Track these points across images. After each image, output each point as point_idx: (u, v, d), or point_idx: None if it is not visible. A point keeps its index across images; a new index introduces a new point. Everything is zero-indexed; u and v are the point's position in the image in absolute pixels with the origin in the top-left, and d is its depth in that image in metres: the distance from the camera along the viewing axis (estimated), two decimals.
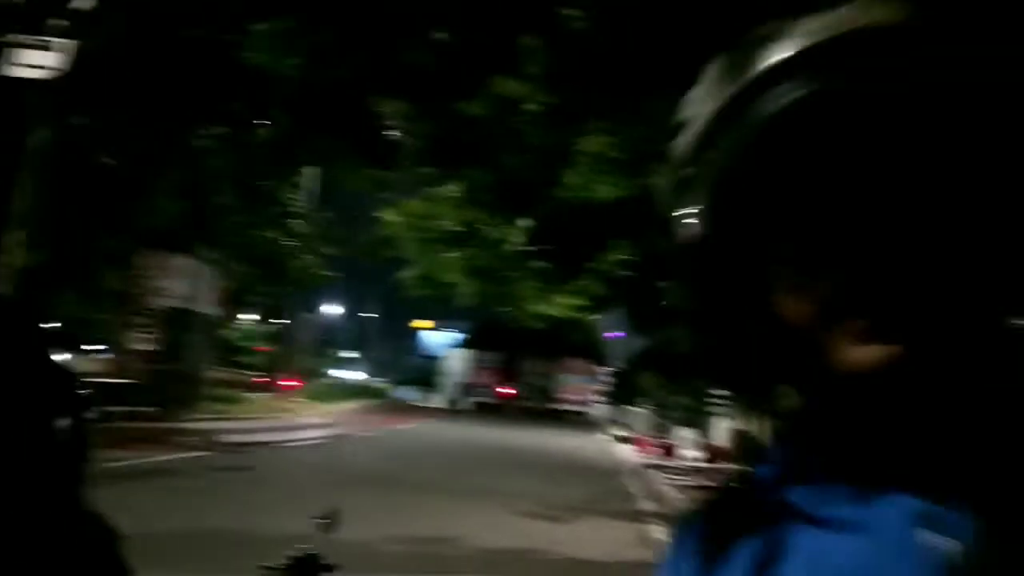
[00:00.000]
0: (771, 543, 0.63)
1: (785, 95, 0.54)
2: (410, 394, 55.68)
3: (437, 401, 52.33)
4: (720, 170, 0.57)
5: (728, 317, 0.63)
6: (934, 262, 0.54)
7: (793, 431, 0.67)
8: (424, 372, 63.50)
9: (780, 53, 0.55)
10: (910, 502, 0.58)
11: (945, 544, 0.55)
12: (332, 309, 56.50)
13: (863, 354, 0.55)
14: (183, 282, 21.95)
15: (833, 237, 0.55)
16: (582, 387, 51.24)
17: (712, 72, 0.59)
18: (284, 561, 2.10)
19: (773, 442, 0.71)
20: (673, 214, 0.62)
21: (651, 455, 21.49)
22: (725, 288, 0.62)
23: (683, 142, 0.60)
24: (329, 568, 2.15)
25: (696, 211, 0.60)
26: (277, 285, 24.70)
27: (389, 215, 8.60)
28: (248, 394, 28.97)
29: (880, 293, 0.54)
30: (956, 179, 0.55)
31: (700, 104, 0.59)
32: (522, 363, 51.31)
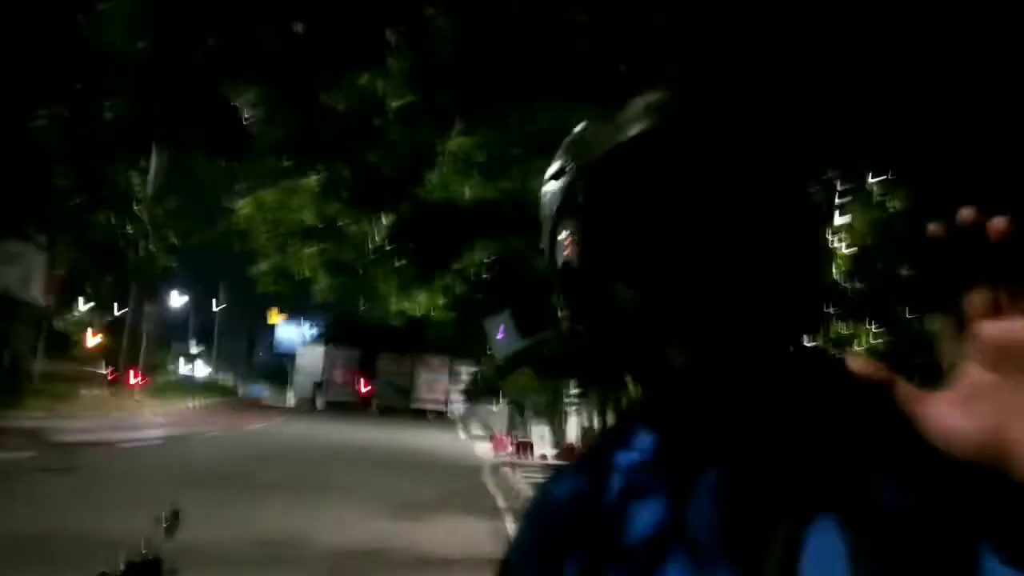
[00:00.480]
0: (608, 511, 0.71)
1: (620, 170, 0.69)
2: (262, 391, 53.67)
3: (290, 399, 50.70)
4: (581, 214, 0.71)
5: (592, 323, 0.73)
6: (735, 289, 0.66)
7: (632, 416, 0.77)
8: (277, 369, 61.43)
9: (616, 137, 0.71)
10: (718, 475, 0.67)
11: (751, 511, 0.64)
12: (179, 301, 53.63)
13: (680, 357, 0.67)
14: (7, 267, 20.17)
15: (654, 266, 0.67)
16: (442, 386, 51.13)
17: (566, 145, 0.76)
18: (121, 566, 1.98)
19: (614, 425, 0.82)
20: (553, 242, 0.74)
21: (508, 453, 21.81)
22: (590, 300, 0.72)
23: (555, 191, 0.75)
24: (170, 572, 2.06)
25: (569, 240, 0.72)
26: (117, 274, 23.16)
27: (242, 206, 8.26)
28: (84, 390, 27.00)
29: (690, 309, 0.66)
30: (745, 232, 0.67)
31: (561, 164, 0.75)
32: (380, 361, 50.60)
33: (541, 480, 0.87)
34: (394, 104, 5.36)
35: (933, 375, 0.67)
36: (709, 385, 0.68)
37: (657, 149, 0.68)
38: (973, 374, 0.53)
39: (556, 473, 0.84)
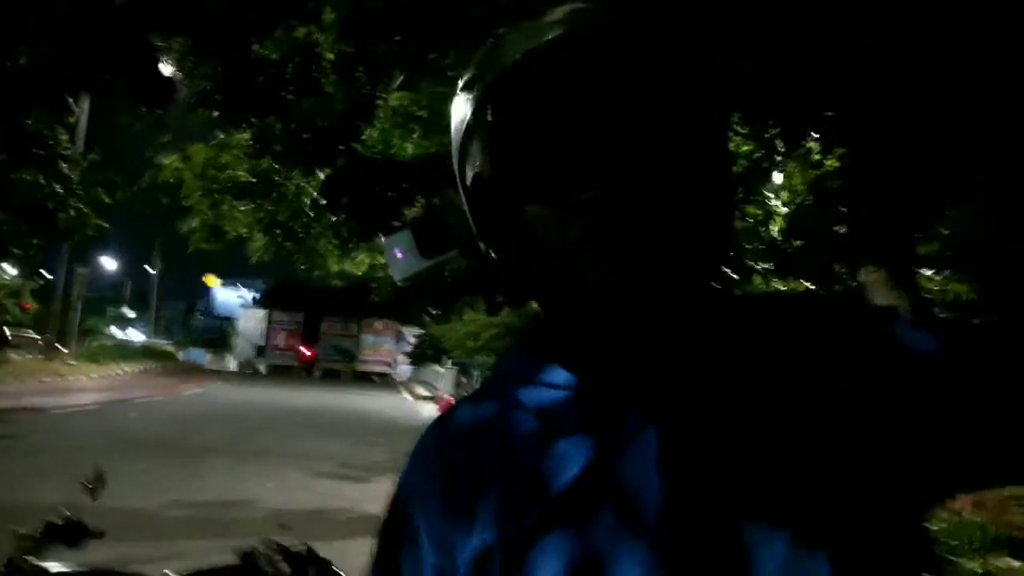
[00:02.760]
0: (526, 452, 0.68)
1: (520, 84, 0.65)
2: (200, 356, 52.69)
3: (230, 363, 49.90)
4: (490, 130, 0.67)
5: (500, 245, 0.70)
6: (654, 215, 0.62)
7: (539, 345, 0.74)
8: (215, 332, 60.36)
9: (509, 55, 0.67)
10: (648, 422, 0.65)
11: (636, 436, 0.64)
12: (111, 263, 52.12)
13: (600, 281, 0.63)
14: None
15: (566, 184, 0.63)
16: (386, 348, 50.92)
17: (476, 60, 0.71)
18: (42, 528, 1.90)
19: (514, 348, 0.78)
20: (462, 157, 0.71)
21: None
22: (498, 221, 0.69)
23: (462, 109, 0.70)
24: (96, 534, 1.99)
25: (478, 154, 0.69)
26: (43, 235, 22.23)
27: (171, 161, 7.95)
28: (14, 355, 26.08)
29: (619, 231, 0.62)
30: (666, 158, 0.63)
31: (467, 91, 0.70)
32: (323, 324, 50.06)
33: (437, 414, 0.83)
34: (329, 56, 5.17)
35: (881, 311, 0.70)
36: (629, 317, 0.65)
37: (572, 56, 0.63)
38: None
39: (456, 407, 0.79)
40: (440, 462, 0.74)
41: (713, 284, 0.71)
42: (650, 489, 0.62)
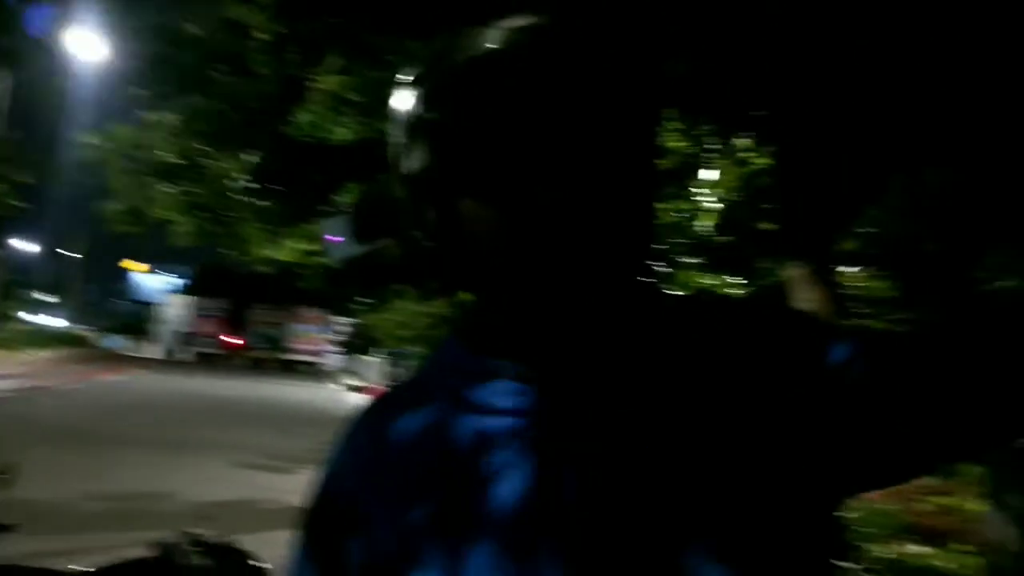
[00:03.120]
0: (464, 461, 0.69)
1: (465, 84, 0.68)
2: (122, 343, 50.98)
3: (153, 351, 48.41)
4: (437, 128, 0.69)
5: (435, 237, 0.72)
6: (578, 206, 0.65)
7: (469, 334, 0.76)
8: (138, 319, 58.48)
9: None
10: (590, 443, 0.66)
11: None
12: (26, 246, 49.94)
13: (536, 277, 0.66)
14: None
15: (503, 185, 0.66)
16: (316, 337, 50.18)
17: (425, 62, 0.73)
18: None
19: (449, 340, 0.80)
20: (402, 152, 0.73)
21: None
22: (438, 215, 0.71)
23: (406, 107, 0.72)
24: (6, 527, 1.89)
25: (423, 155, 0.70)
26: None
27: (92, 139, 7.61)
28: None
29: (555, 229, 0.65)
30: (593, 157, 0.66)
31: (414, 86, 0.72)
32: (251, 311, 48.98)
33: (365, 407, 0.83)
34: (261, 36, 5.02)
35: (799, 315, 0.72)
36: (563, 314, 0.68)
37: (519, 66, 0.67)
38: None
39: (389, 398, 0.80)
40: (374, 455, 0.74)
41: (641, 281, 0.74)
42: (571, 506, 0.64)
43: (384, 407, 0.79)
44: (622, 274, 0.71)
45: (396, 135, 0.74)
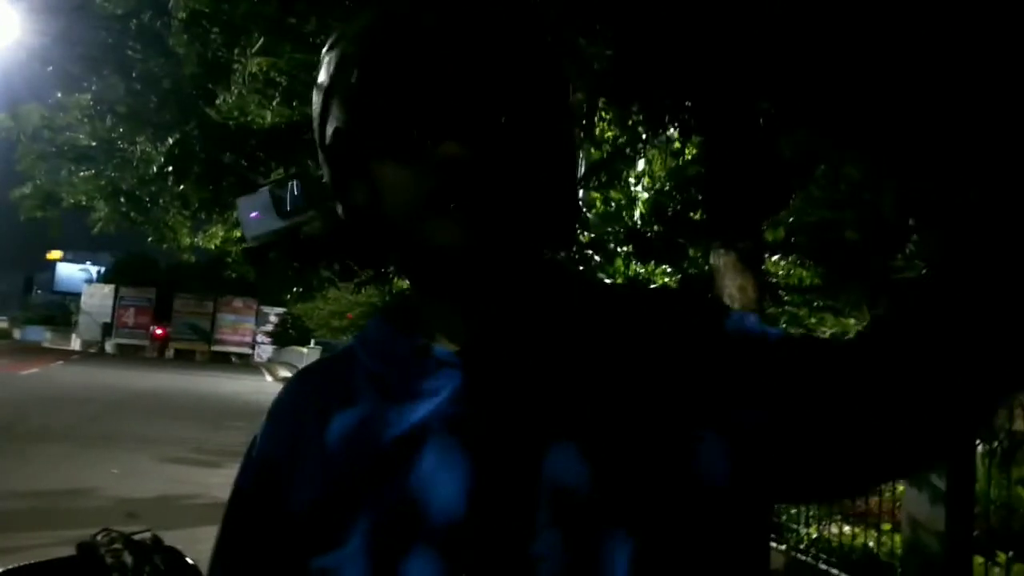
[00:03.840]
0: (354, 405, 0.71)
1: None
2: (39, 334, 48.96)
3: (74, 343, 46.65)
4: (347, 87, 0.69)
5: (354, 202, 0.71)
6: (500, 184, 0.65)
7: (390, 310, 0.78)
8: (59, 310, 56.28)
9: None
10: (458, 377, 0.68)
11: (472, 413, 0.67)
12: None
13: (444, 238, 0.65)
14: None
15: (423, 140, 0.65)
16: (246, 328, 49.10)
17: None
18: None
19: (375, 317, 0.80)
20: (324, 115, 0.72)
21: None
22: (352, 178, 0.70)
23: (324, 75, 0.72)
24: None
25: (336, 117, 0.70)
26: None
27: (2, 121, 7.23)
28: None
29: (462, 188, 0.64)
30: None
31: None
32: (177, 301, 47.58)
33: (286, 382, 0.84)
34: (181, 14, 4.84)
35: (717, 304, 0.73)
36: (470, 277, 0.67)
37: (426, 16, 0.66)
38: None
39: (312, 366, 0.83)
40: (297, 429, 0.75)
41: (551, 255, 0.74)
42: (456, 468, 0.65)
43: (309, 383, 0.79)
44: (539, 246, 0.72)
45: (315, 101, 0.73)
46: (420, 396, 0.69)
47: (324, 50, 0.73)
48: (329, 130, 0.71)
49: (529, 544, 0.62)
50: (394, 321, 0.76)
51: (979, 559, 4.44)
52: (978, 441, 4.22)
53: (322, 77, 0.72)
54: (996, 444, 4.73)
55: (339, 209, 0.74)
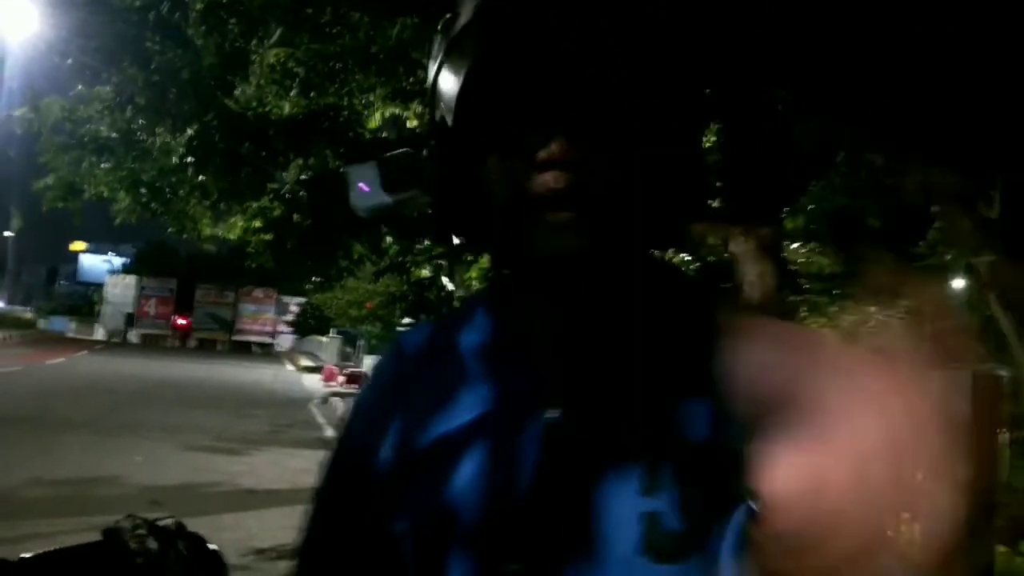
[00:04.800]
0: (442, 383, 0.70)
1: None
2: (64, 324, 49.63)
3: (98, 333, 47.25)
4: (458, 75, 0.65)
5: (459, 194, 0.69)
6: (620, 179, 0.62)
7: (490, 290, 0.76)
8: (82, 300, 57.00)
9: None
10: (537, 377, 0.66)
11: (553, 415, 0.64)
12: None
13: (553, 244, 0.62)
14: None
15: (533, 135, 0.62)
16: (267, 317, 49.51)
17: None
18: None
19: (476, 294, 0.80)
20: (434, 94, 0.69)
21: (338, 384, 21.53)
22: (458, 169, 0.68)
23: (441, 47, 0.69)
24: None
25: (445, 105, 0.67)
26: None
27: (22, 112, 7.31)
28: None
29: (575, 194, 0.61)
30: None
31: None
32: (198, 291, 48.02)
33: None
34: (198, 5, 4.87)
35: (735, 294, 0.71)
36: (563, 282, 0.65)
37: (545, 4, 0.63)
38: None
39: (411, 330, 0.82)
40: (395, 370, 0.76)
41: (657, 257, 0.71)
42: (526, 460, 0.64)
43: (402, 339, 0.80)
44: (648, 249, 0.69)
45: (431, 70, 0.71)
46: (497, 383, 0.68)
47: (437, 30, 0.70)
48: (438, 116, 0.69)
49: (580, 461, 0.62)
50: (486, 299, 0.75)
51: (1002, 548, 4.41)
52: (1002, 430, 4.19)
53: (434, 61, 0.69)
54: (1020, 433, 4.69)
55: (440, 193, 0.72)
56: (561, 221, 0.62)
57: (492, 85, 0.64)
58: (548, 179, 0.61)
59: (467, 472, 0.65)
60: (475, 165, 0.66)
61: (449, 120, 0.67)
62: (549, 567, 0.61)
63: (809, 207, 6.10)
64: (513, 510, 0.63)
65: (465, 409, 0.67)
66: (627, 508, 0.60)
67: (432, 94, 0.70)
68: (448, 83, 0.67)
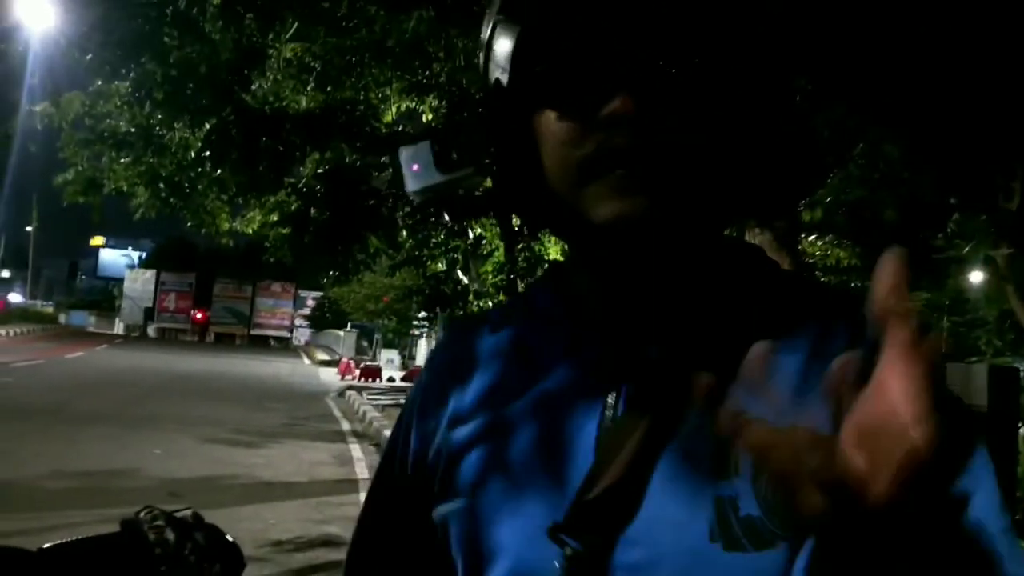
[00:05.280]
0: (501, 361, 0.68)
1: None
2: (83, 318, 50.12)
3: (117, 327, 47.70)
4: (512, 44, 0.62)
5: (514, 163, 0.65)
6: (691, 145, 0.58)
7: (556, 271, 0.73)
8: (102, 294, 57.52)
9: None
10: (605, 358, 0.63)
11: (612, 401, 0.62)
12: None
13: (612, 208, 0.58)
14: None
15: (594, 94, 0.58)
16: (284, 311, 49.78)
17: None
18: None
19: (541, 277, 0.76)
20: (488, 55, 0.65)
21: (354, 378, 21.62)
22: (514, 132, 0.64)
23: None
24: None
25: (500, 64, 0.63)
26: None
27: (42, 108, 7.38)
28: None
29: (636, 154, 0.57)
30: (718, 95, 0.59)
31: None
32: (217, 285, 48.34)
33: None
34: (215, 0, 4.89)
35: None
36: (630, 254, 0.62)
37: None
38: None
39: (470, 318, 0.83)
40: (453, 354, 0.74)
41: (724, 236, 0.68)
42: (584, 441, 0.62)
43: (461, 325, 0.80)
44: (720, 224, 0.65)
45: (483, 51, 0.67)
46: (555, 368, 0.66)
47: None
48: (491, 79, 0.65)
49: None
50: (551, 281, 0.72)
51: (1021, 543, 4.36)
52: (1021, 424, 4.14)
53: (488, 19, 0.66)
54: None
55: (495, 167, 0.69)
56: (619, 182, 0.58)
57: (551, 40, 0.60)
58: (609, 137, 0.57)
59: (525, 449, 0.63)
60: (532, 127, 0.63)
61: (504, 80, 0.63)
62: (607, 550, 0.58)
63: (827, 199, 6.05)
64: (573, 490, 0.60)
65: (528, 388, 0.65)
66: (699, 492, 0.57)
67: (486, 54, 0.66)
68: (504, 40, 0.63)
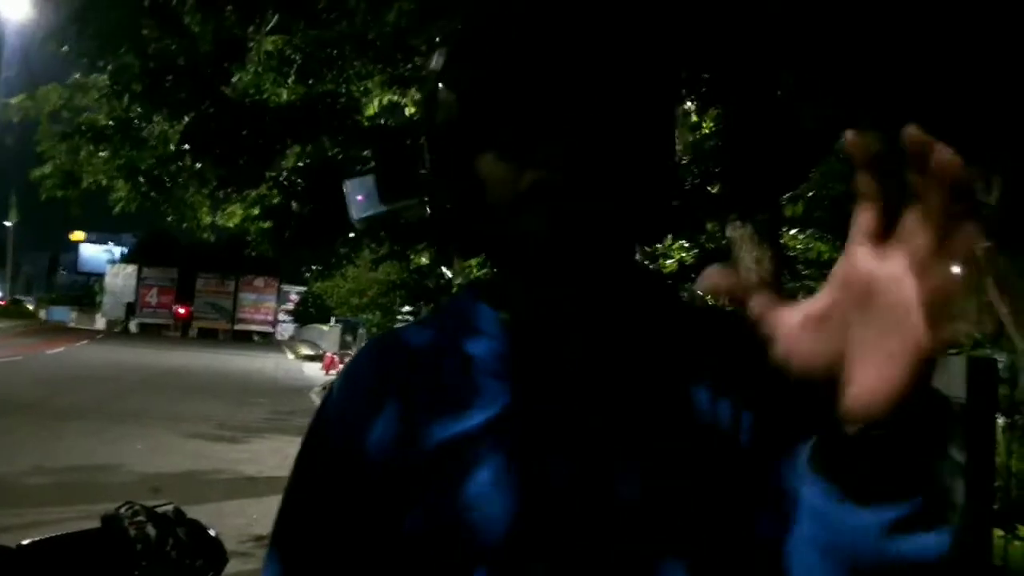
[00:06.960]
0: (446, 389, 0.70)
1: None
2: (64, 314, 49.65)
3: (99, 322, 47.28)
4: (460, 91, 0.69)
5: (455, 195, 0.72)
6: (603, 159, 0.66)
7: (482, 286, 0.78)
8: (83, 290, 57.03)
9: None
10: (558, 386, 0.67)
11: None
12: None
13: (539, 233, 0.66)
14: None
15: (530, 138, 0.65)
16: (268, 306, 49.54)
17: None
18: None
19: (465, 289, 0.81)
20: (432, 100, 0.72)
21: (339, 372, 21.55)
22: (455, 170, 0.71)
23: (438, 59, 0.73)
24: None
25: (444, 108, 0.70)
26: None
27: (20, 99, 7.28)
28: None
29: (566, 187, 0.64)
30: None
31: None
32: (199, 280, 48.02)
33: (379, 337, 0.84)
34: None
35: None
36: (559, 272, 0.68)
37: (546, 15, 0.67)
38: (826, 299, 0.55)
39: (395, 332, 0.82)
40: (377, 376, 0.75)
41: (636, 258, 0.76)
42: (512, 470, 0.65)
43: (387, 340, 0.81)
44: (630, 245, 0.74)
45: (425, 91, 0.75)
46: (509, 381, 0.69)
47: (439, 40, 0.74)
48: (438, 119, 0.72)
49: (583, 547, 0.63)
50: (480, 295, 0.76)
51: (999, 532, 4.43)
52: (999, 414, 4.19)
53: (435, 65, 0.73)
54: (1017, 417, 4.70)
55: (435, 198, 0.75)
56: (551, 212, 0.65)
57: (494, 95, 0.67)
58: (542, 175, 0.64)
59: (487, 472, 0.65)
60: (472, 168, 0.69)
61: (449, 124, 0.70)
62: (575, 568, 0.62)
63: (809, 194, 6.09)
64: (537, 509, 0.64)
65: (479, 409, 0.68)
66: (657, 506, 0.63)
67: (429, 103, 0.73)
68: (450, 93, 0.70)
